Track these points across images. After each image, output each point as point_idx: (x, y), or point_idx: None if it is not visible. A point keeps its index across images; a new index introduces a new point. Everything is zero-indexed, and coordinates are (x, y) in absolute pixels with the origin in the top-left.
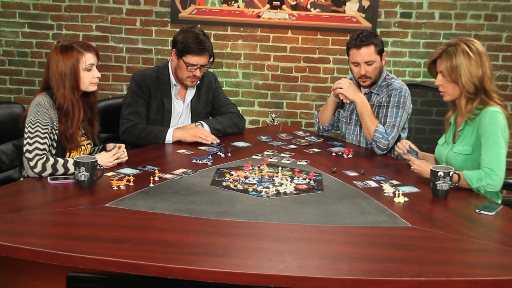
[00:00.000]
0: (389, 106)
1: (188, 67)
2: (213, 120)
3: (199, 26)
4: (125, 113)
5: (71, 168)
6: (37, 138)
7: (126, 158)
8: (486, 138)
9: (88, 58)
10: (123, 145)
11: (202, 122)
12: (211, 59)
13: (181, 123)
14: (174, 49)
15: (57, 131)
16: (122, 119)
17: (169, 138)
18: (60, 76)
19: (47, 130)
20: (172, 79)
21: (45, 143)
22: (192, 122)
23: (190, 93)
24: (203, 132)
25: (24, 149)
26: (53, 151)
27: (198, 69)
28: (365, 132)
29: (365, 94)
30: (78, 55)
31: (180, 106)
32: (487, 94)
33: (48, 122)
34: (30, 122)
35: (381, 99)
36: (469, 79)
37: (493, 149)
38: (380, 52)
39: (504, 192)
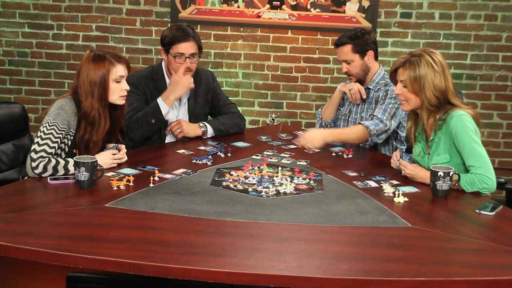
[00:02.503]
0: (386, 99)
1: (176, 58)
2: (216, 121)
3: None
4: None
5: (72, 169)
6: (48, 141)
7: (126, 159)
8: (463, 145)
9: (119, 70)
10: (123, 146)
11: (206, 124)
12: (200, 50)
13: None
14: (162, 48)
15: (72, 137)
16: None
17: (164, 108)
18: (89, 85)
19: (60, 136)
20: (167, 80)
21: (54, 147)
22: (189, 122)
23: (186, 93)
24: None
25: (32, 147)
26: (63, 155)
27: (187, 59)
28: (358, 141)
29: (365, 89)
30: (109, 66)
31: (176, 107)
32: (452, 105)
33: (65, 128)
34: (48, 122)
35: (378, 95)
36: (433, 92)
37: (475, 154)
38: (361, 51)
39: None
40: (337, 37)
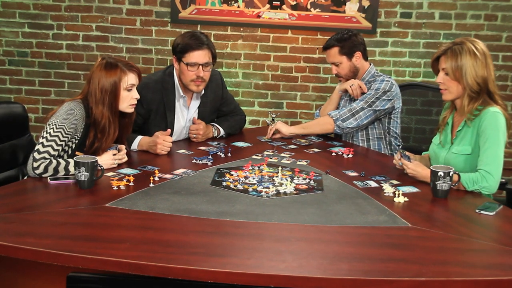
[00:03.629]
0: (360, 100)
1: (189, 67)
2: (226, 123)
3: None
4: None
5: (72, 170)
6: (52, 143)
7: (126, 159)
8: (486, 139)
9: (130, 78)
10: (123, 147)
11: (220, 128)
12: (213, 59)
13: (185, 134)
14: (174, 56)
15: (76, 141)
16: None
17: (134, 146)
18: (100, 92)
19: (65, 139)
20: (180, 91)
21: (57, 149)
22: None
23: (194, 104)
24: (161, 142)
25: (36, 147)
26: (65, 157)
27: (200, 67)
28: (327, 128)
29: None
30: (121, 74)
31: (185, 116)
32: (491, 96)
33: (71, 132)
34: (55, 124)
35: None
36: (475, 78)
37: (492, 151)
38: (348, 53)
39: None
40: None
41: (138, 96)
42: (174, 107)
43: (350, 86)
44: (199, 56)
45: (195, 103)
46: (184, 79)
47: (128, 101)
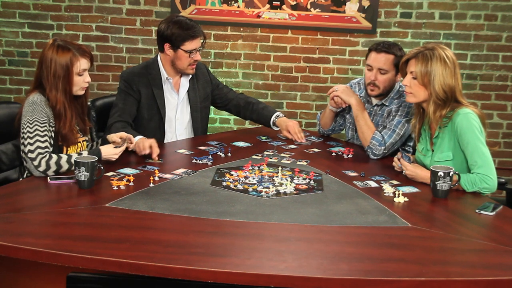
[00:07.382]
0: (397, 115)
1: (190, 54)
2: (261, 108)
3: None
4: (111, 113)
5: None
6: (37, 137)
7: (132, 145)
8: (467, 143)
9: (82, 63)
10: (131, 136)
11: (273, 115)
12: (204, 40)
13: (178, 118)
14: (167, 44)
15: (53, 128)
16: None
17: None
18: (53, 77)
19: (45, 128)
20: (164, 73)
21: (45, 140)
22: (191, 116)
23: (184, 85)
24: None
25: (26, 149)
26: (51, 148)
27: (198, 52)
28: (360, 136)
29: (376, 105)
30: (73, 59)
31: (175, 99)
32: (459, 103)
33: (46, 120)
34: (28, 122)
35: (390, 109)
36: (442, 86)
37: (478, 153)
38: (397, 69)
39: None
40: (337, 37)
41: (89, 80)
42: (163, 91)
43: (333, 98)
44: (197, 43)
45: (184, 86)
46: (181, 64)
47: (79, 84)
